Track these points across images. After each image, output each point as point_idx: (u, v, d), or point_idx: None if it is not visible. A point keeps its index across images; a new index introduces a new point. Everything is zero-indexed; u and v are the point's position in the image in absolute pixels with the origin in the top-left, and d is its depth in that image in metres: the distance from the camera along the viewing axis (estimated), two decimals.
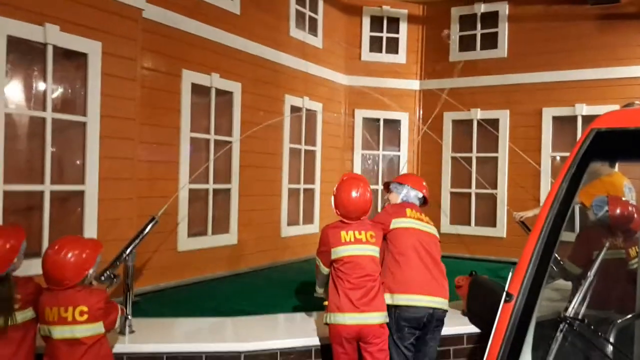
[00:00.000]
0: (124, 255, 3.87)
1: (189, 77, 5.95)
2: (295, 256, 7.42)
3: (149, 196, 5.33)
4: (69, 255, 2.90)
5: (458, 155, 8.66)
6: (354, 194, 3.57)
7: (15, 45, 4.25)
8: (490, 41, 8.56)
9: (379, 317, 3.46)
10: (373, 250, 3.58)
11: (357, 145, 8.80)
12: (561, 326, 1.98)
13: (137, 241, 4.02)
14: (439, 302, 3.58)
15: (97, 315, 2.93)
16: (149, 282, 5.46)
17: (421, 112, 9.06)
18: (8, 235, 2.93)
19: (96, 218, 4.75)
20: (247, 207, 6.68)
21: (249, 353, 3.64)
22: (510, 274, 2.14)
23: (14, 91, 4.42)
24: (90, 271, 2.99)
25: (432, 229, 3.81)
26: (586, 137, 2.34)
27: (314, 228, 7.91)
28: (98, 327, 2.95)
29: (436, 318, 3.60)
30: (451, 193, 8.73)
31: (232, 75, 6.50)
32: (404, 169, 8.72)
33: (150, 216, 4.24)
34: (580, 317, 2.05)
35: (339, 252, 3.53)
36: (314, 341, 3.85)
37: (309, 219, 7.94)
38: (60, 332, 2.87)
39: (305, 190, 7.90)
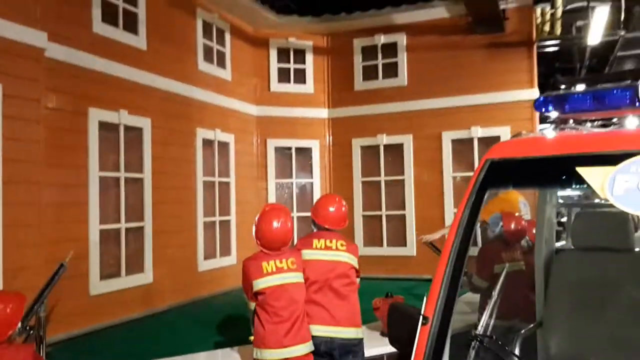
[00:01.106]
0: (36, 306, 3.69)
1: (96, 115, 5.80)
2: (214, 290, 7.34)
3: (57, 240, 5.11)
4: None
5: (367, 179, 9.04)
6: (275, 224, 3.64)
7: None
8: (391, 70, 9.07)
9: (304, 348, 3.54)
10: (296, 277, 3.65)
11: (271, 175, 8.91)
12: (473, 344, 2.17)
13: (47, 290, 3.86)
14: (337, 331, 3.74)
15: None
16: (60, 330, 5.18)
17: (331, 138, 9.37)
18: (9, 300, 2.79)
19: (0, 267, 4.47)
20: (161, 243, 6.55)
21: None
22: (425, 297, 2.32)
23: None
24: (18, 325, 2.84)
25: (340, 256, 3.89)
26: (482, 168, 2.60)
27: (231, 260, 7.88)
28: None
29: (338, 346, 3.73)
30: (363, 216, 9.05)
31: (141, 111, 6.41)
32: (316, 195, 8.96)
33: (58, 263, 4.08)
34: (489, 331, 2.26)
35: (261, 283, 3.57)
36: None
37: (226, 251, 7.90)
38: None
39: (221, 222, 7.86)
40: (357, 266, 3.92)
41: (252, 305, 3.68)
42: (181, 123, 7.13)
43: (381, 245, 8.91)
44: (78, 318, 5.39)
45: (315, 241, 3.89)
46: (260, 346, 3.52)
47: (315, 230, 4.03)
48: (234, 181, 8.17)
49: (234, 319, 5.94)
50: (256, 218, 3.73)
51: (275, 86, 9.11)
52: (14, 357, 2.78)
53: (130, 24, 6.41)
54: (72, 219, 5.42)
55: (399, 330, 4.35)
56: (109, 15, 6.10)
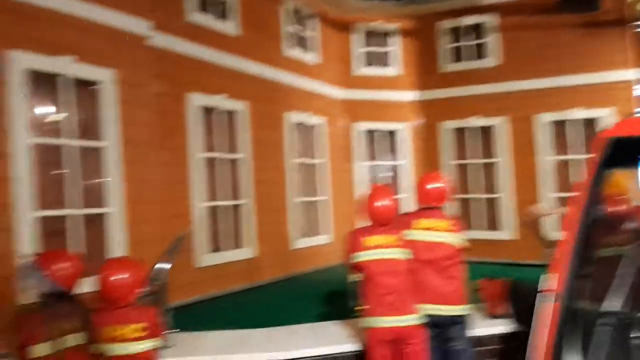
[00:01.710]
0: (158, 274, 4.00)
1: (198, 100, 6.12)
2: (309, 267, 7.58)
3: (169, 216, 5.47)
4: (123, 276, 3.05)
5: (457, 162, 8.93)
6: (381, 202, 3.78)
7: (34, 77, 4.36)
8: (480, 51, 8.85)
9: (413, 319, 3.64)
10: (397, 253, 3.74)
11: (359, 157, 9.01)
12: (602, 321, 2.16)
13: (168, 259, 4.16)
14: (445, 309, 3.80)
15: (150, 332, 3.07)
16: (172, 299, 5.56)
17: (418, 121, 9.30)
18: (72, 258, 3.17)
19: (124, 239, 4.86)
20: (260, 221, 6.87)
21: None
22: (546, 275, 2.33)
23: (36, 121, 4.54)
24: (141, 290, 3.14)
25: (441, 237, 3.91)
26: (603, 146, 2.55)
27: (324, 239, 8.10)
28: (151, 343, 3.08)
29: (444, 320, 3.80)
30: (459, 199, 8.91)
31: (236, 95, 6.69)
32: (403, 178, 8.97)
33: (172, 237, 4.39)
34: (616, 311, 2.24)
35: (361, 256, 3.72)
36: (347, 347, 4.01)
37: (319, 231, 8.14)
38: (117, 349, 3.00)
39: (314, 202, 8.12)
40: (461, 244, 3.93)
41: (355, 277, 3.81)
42: (273, 106, 7.37)
43: (470, 228, 8.77)
44: (186, 288, 5.76)
45: (415, 222, 3.94)
46: (370, 314, 3.65)
47: (417, 209, 4.08)
48: (325, 163, 8.38)
49: (331, 294, 6.11)
50: (362, 196, 3.88)
51: (361, 69, 9.15)
52: (139, 317, 3.08)
53: (223, 12, 6.69)
54: (180, 196, 5.79)
55: (520, 306, 4.35)
56: (203, 4, 6.40)
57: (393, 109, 9.14)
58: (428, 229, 3.93)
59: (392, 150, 9.27)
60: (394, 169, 9.26)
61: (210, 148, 6.35)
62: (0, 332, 3.26)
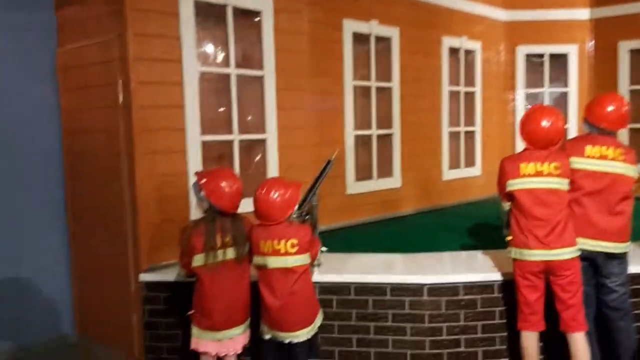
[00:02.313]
0: (309, 195, 4.22)
1: (350, 26, 6.09)
2: (457, 199, 7.42)
3: (319, 143, 5.66)
4: (278, 194, 3.27)
5: (636, 87, 7.86)
6: (544, 122, 3.46)
7: (201, 8, 4.67)
8: None
9: (569, 253, 3.41)
10: (557, 183, 3.45)
11: (520, 84, 8.36)
12: None
13: (318, 182, 4.34)
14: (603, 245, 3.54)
15: (305, 247, 3.29)
16: (322, 223, 5.86)
17: (593, 42, 8.30)
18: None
19: (277, 164, 5.17)
20: (408, 151, 6.80)
21: (432, 285, 3.83)
22: None
23: (204, 51, 4.91)
24: (295, 208, 3.36)
25: (616, 167, 3.53)
26: None
27: (475, 171, 7.82)
28: (305, 258, 3.31)
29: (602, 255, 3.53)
30: (631, 129, 7.96)
31: (390, 21, 6.51)
32: (571, 107, 8.18)
33: (322, 162, 4.54)
34: None
35: (515, 184, 3.49)
36: (496, 276, 3.91)
37: (470, 162, 7.85)
38: (274, 262, 3.28)
39: (465, 132, 7.78)
40: (635, 177, 3.53)
41: (506, 205, 3.64)
42: (427, 31, 7.06)
43: None
44: (336, 213, 6.01)
45: (588, 148, 3.57)
46: (520, 246, 3.49)
47: (588, 132, 3.71)
48: (479, 91, 7.92)
49: (479, 226, 5.96)
50: (523, 116, 3.62)
51: None
52: (295, 232, 3.29)
53: None
54: (330, 124, 5.93)
55: None
56: None
57: (562, 29, 8.23)
58: (601, 157, 3.55)
59: (558, 76, 8.43)
60: (560, 97, 8.45)
61: (361, 76, 6.33)
62: (172, 245, 3.74)
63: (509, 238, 3.62)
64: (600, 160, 3.54)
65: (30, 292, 4.97)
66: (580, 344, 3.49)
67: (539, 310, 3.57)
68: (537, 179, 3.46)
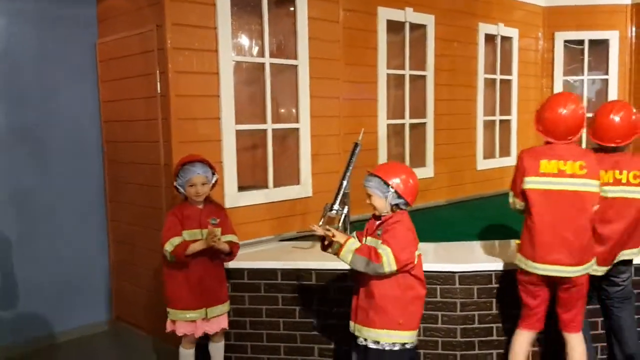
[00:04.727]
0: (344, 182, 4.27)
1: (385, 14, 6.05)
2: (492, 190, 7.33)
3: (352, 132, 5.65)
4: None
5: None
6: (561, 109, 3.16)
7: None
8: None
9: (580, 271, 3.16)
10: (582, 184, 3.11)
11: (558, 72, 8.16)
12: None
13: (350, 166, 4.39)
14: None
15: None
16: (353, 213, 5.89)
17: (634, 28, 8.03)
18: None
19: (309, 153, 5.22)
20: (442, 140, 6.74)
21: (464, 274, 3.83)
22: None
23: (239, 41, 4.98)
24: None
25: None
26: None
27: (511, 160, 7.69)
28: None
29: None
30: None
31: (425, 8, 6.44)
32: (612, 95, 7.96)
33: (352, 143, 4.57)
34: None
35: (531, 183, 3.20)
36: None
37: (505, 152, 7.74)
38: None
39: (501, 122, 7.66)
40: None
41: (520, 205, 3.38)
42: (463, 18, 6.96)
43: None
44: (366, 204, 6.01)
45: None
46: (526, 255, 3.28)
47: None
48: (516, 79, 7.77)
49: (513, 216, 5.87)
50: (540, 105, 3.44)
51: None
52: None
53: None
54: (363, 113, 5.92)
55: None
56: None
57: (603, 15, 7.99)
58: (618, 182, 3.47)
59: (598, 63, 8.20)
60: (601, 84, 8.22)
61: (395, 64, 6.30)
62: None
63: (517, 242, 3.50)
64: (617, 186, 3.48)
65: (70, 282, 5.16)
66: (578, 344, 3.38)
67: (539, 312, 3.39)
68: (560, 179, 3.13)
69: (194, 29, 4.40)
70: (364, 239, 3.18)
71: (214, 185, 3.85)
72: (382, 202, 3.06)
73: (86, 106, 5.24)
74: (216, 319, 3.77)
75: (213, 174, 3.81)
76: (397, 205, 3.07)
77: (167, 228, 3.62)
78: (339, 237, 3.01)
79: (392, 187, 3.02)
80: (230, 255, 3.77)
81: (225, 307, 3.84)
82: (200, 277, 3.65)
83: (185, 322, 3.68)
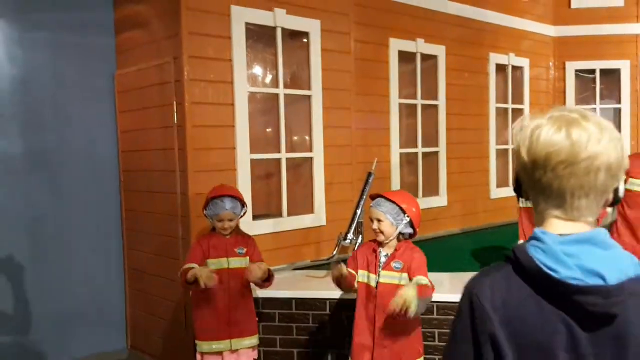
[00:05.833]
0: (358, 214, 4.28)
1: (396, 45, 6.15)
2: (505, 219, 7.28)
3: (364, 162, 5.70)
4: None
5: None
6: None
7: (252, 31, 4.84)
8: None
9: None
10: None
11: (570, 101, 8.20)
12: None
13: (364, 195, 4.41)
14: None
15: None
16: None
17: None
18: None
19: (323, 182, 5.25)
20: (455, 169, 6.75)
21: None
22: None
23: (254, 72, 5.08)
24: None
25: None
26: None
27: None
28: None
29: None
30: None
31: (436, 39, 6.54)
32: (625, 123, 7.97)
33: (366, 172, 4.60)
34: None
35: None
36: None
37: None
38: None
39: (513, 150, 7.66)
40: None
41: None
42: (474, 49, 7.04)
43: None
44: None
45: None
46: None
47: None
48: (528, 108, 7.81)
49: None
50: None
51: (578, 2, 8.17)
52: None
53: None
54: (376, 142, 5.96)
55: None
56: None
57: (613, 45, 8.05)
58: None
59: (611, 92, 8.23)
60: (613, 113, 8.23)
61: (407, 94, 6.37)
62: None
63: None
64: None
65: (85, 310, 5.17)
66: None
67: None
68: None
69: (210, 62, 4.51)
70: (366, 272, 3.12)
71: (242, 215, 3.84)
72: (392, 229, 3.03)
73: (104, 136, 5.34)
74: (245, 352, 3.66)
75: (243, 206, 3.76)
76: (403, 234, 3.05)
77: (188, 256, 3.65)
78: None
79: (408, 216, 3.01)
80: (268, 281, 3.63)
81: (253, 339, 3.71)
82: (226, 307, 3.59)
83: (212, 354, 3.60)
